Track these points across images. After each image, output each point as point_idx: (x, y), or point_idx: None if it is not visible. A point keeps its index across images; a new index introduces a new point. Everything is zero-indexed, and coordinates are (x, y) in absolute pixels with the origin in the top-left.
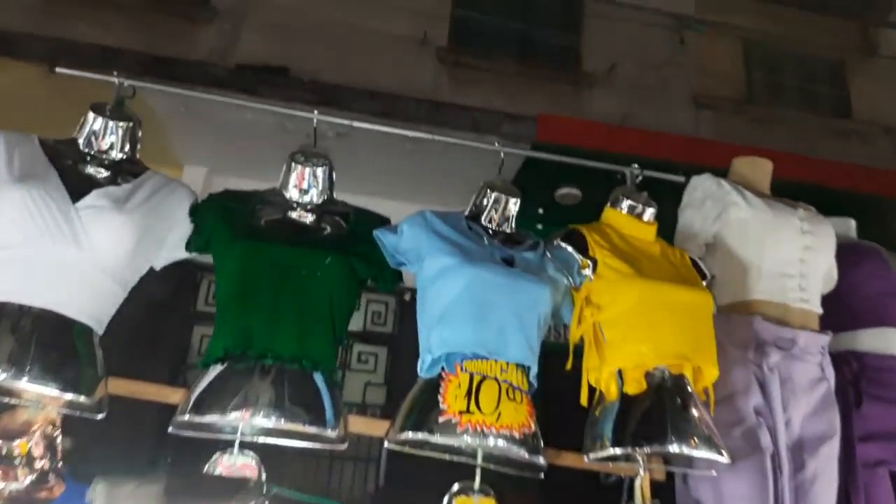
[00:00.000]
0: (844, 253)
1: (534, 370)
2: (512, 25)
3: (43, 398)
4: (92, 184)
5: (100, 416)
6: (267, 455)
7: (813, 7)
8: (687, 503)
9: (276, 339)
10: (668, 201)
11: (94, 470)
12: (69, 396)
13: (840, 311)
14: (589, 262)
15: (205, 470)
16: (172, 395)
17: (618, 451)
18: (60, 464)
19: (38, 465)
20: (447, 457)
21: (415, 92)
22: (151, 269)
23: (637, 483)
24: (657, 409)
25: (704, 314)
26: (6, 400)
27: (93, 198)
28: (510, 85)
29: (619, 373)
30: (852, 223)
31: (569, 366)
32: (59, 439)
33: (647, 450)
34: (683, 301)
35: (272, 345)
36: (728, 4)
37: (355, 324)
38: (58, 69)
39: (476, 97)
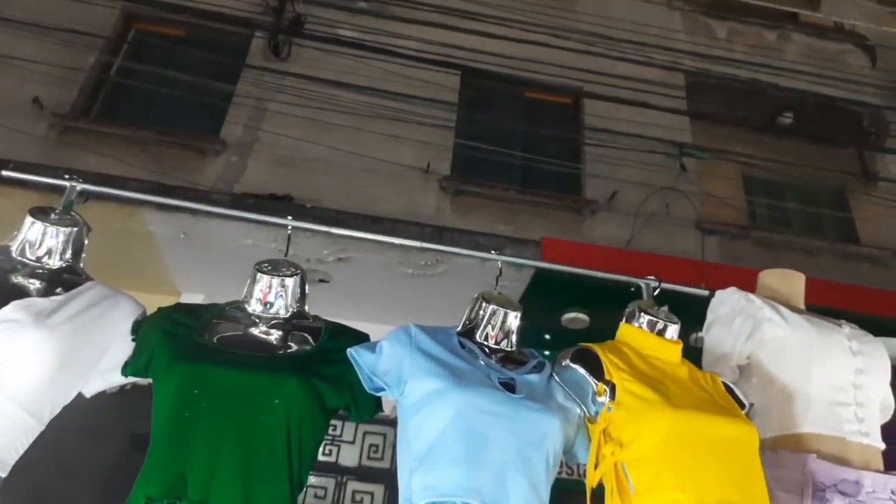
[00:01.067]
0: None
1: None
2: (513, 155)
3: None
4: (14, 295)
5: None
6: None
7: (809, 138)
8: None
9: (215, 485)
10: (687, 322)
11: None
12: None
13: None
14: (605, 387)
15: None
16: None
17: None
18: None
19: None
20: None
21: (418, 218)
22: (81, 396)
23: None
24: None
25: (750, 450)
26: None
27: (10, 310)
28: (513, 212)
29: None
30: None
31: None
32: None
33: None
34: (724, 434)
35: (210, 493)
36: (725, 134)
37: (350, 458)
38: (3, 172)
39: (479, 223)
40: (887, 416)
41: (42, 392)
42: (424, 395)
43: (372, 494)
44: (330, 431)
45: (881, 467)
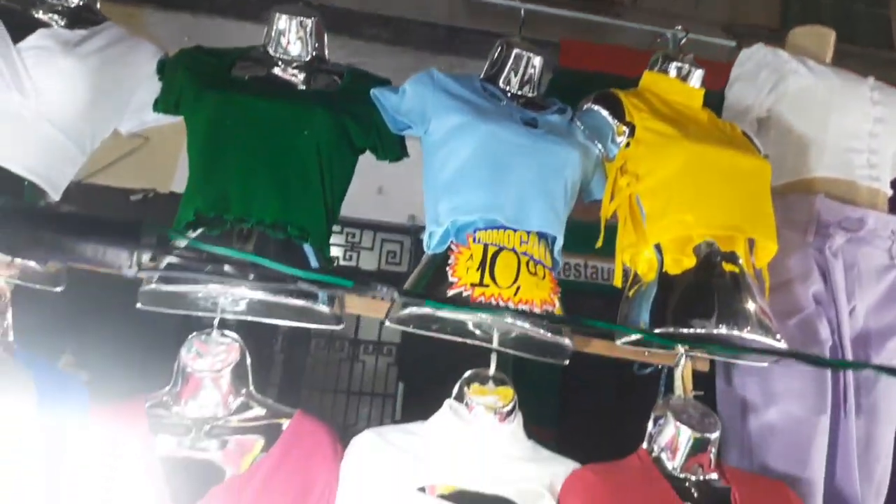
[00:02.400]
0: None
1: (558, 243)
2: None
3: None
4: (38, 25)
5: (58, 289)
6: (284, 392)
7: None
8: (730, 405)
9: (254, 202)
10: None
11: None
12: (18, 261)
13: None
14: (625, 127)
15: (181, 353)
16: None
17: (656, 331)
18: (11, 337)
19: None
20: (459, 339)
21: (430, 19)
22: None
23: (677, 372)
24: (703, 289)
25: (762, 183)
26: None
27: (37, 38)
28: (530, 14)
29: (659, 250)
30: None
31: (599, 244)
32: (9, 311)
33: (690, 331)
34: (737, 167)
35: (251, 208)
36: None
37: (369, 263)
38: None
39: (495, 26)
40: None
41: (81, 120)
42: (448, 130)
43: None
44: (349, 238)
45: (886, 211)
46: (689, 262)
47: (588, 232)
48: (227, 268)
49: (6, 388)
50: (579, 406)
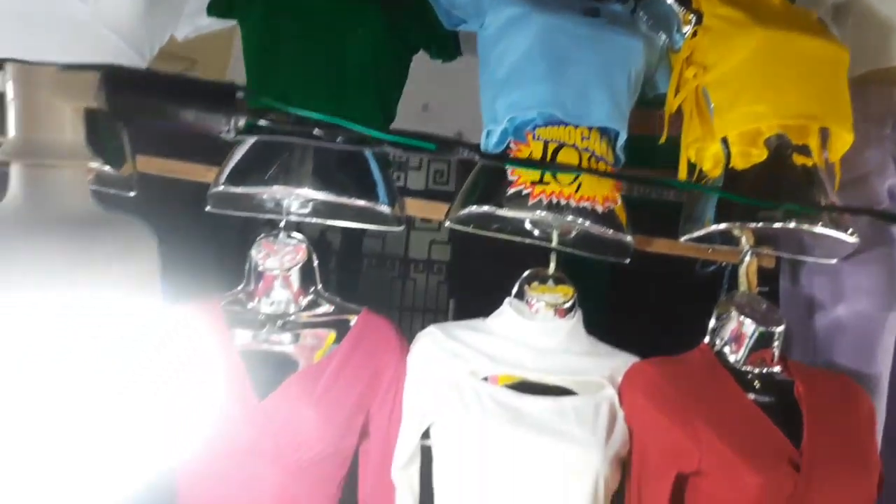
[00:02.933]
0: None
1: (622, 138)
2: None
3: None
4: None
5: (131, 194)
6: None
7: None
8: (795, 304)
9: (310, 101)
10: None
11: None
12: (95, 165)
13: None
14: (692, 15)
15: (251, 254)
16: (208, 174)
17: (721, 227)
18: None
19: None
20: (518, 239)
21: None
22: None
23: (741, 269)
24: (772, 182)
25: (839, 70)
26: None
27: None
28: None
29: (726, 144)
30: None
31: (663, 139)
32: None
33: (757, 225)
34: (812, 53)
35: (307, 108)
36: None
37: (416, 183)
38: None
39: None
40: None
41: (139, 24)
42: (505, 22)
43: None
44: (396, 158)
45: None
46: (759, 155)
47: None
48: (316, 131)
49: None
50: (632, 308)
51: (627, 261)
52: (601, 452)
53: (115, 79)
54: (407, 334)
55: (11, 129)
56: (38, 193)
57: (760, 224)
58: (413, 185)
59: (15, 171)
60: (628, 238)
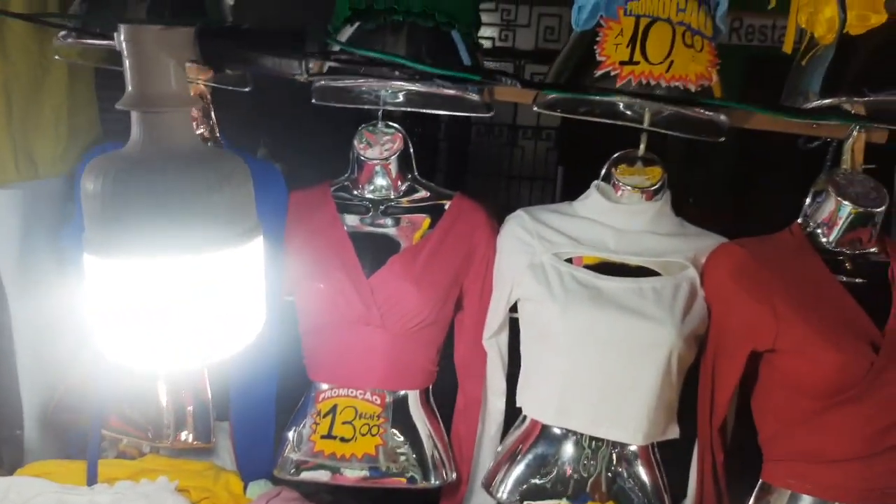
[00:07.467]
0: None
1: (722, 7)
2: None
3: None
4: None
5: (247, 89)
6: (450, 177)
7: None
8: None
9: None
10: None
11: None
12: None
13: None
14: None
15: (354, 143)
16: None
17: (827, 101)
18: (218, 133)
19: (198, 132)
20: (608, 122)
21: None
22: None
23: (847, 144)
24: (890, 50)
25: None
26: None
27: None
28: None
29: (843, 6)
30: None
31: (772, 4)
32: (212, 111)
33: (871, 98)
34: None
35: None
36: None
37: (526, 42)
38: None
39: None
40: None
41: None
42: None
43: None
44: (504, 17)
45: None
46: (879, 18)
47: None
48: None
49: (229, 174)
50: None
51: (722, 139)
52: (675, 329)
53: (206, 33)
54: (515, 203)
55: (128, 82)
56: (153, 135)
57: (871, 98)
58: (522, 44)
59: (134, 118)
60: (722, 117)
